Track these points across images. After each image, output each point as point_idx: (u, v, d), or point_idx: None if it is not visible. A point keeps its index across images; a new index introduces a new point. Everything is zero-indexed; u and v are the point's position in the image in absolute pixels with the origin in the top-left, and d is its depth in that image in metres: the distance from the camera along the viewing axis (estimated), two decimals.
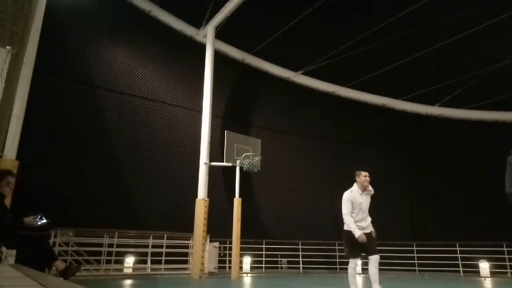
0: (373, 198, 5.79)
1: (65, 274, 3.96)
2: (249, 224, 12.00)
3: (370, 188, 5.67)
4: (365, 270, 13.02)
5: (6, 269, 3.16)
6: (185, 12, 13.41)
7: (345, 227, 5.49)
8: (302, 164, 15.78)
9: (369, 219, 5.59)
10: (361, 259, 5.51)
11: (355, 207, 5.42)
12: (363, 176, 5.59)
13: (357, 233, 5.20)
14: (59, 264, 4.04)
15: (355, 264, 5.37)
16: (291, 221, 14.69)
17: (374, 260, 5.17)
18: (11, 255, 4.06)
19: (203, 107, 12.00)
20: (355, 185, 5.63)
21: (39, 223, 4.00)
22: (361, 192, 5.55)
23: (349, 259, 5.38)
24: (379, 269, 5.29)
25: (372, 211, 5.74)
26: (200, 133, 11.76)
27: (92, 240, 9.68)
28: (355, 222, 5.37)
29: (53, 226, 9.00)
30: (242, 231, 10.61)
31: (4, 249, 4.00)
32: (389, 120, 16.88)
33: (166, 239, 10.69)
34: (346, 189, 5.72)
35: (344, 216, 5.39)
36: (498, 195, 16.04)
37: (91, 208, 10.51)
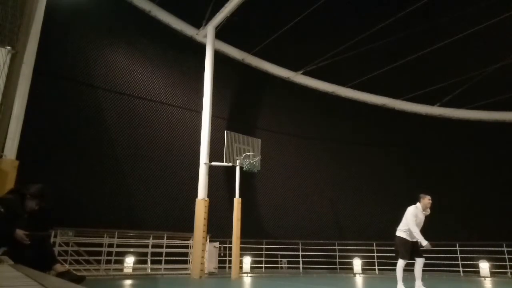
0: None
1: (61, 277, 3.93)
2: (249, 224, 11.99)
3: (429, 210, 6.89)
4: (365, 270, 13.03)
5: (6, 269, 3.16)
6: (185, 12, 13.40)
7: (400, 234, 6.83)
8: (302, 164, 15.78)
9: None
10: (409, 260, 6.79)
11: (416, 221, 6.67)
12: (427, 200, 6.82)
13: (425, 242, 6.42)
14: (59, 267, 4.03)
15: (404, 264, 6.67)
16: (291, 221, 14.69)
17: (420, 261, 6.66)
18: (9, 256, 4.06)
19: (203, 107, 11.99)
20: (418, 204, 6.84)
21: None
22: (422, 211, 6.82)
23: (398, 259, 6.71)
24: (399, 270, 6.84)
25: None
26: (200, 133, 11.76)
27: (92, 240, 9.69)
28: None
29: (53, 226, 9.00)
30: (242, 231, 10.61)
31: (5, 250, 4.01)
32: (389, 120, 16.88)
33: (166, 239, 10.69)
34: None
35: (412, 228, 6.58)
36: (498, 195, 16.08)
37: (91, 208, 10.50)
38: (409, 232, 6.69)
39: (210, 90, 12.07)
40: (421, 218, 6.79)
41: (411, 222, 6.60)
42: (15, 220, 3.92)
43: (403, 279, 6.74)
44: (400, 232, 6.87)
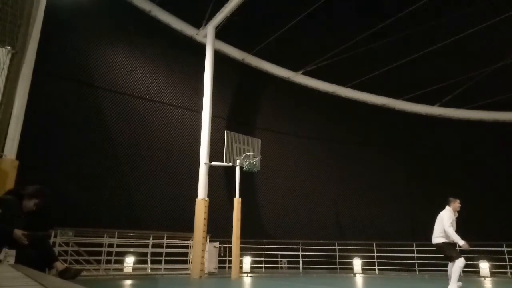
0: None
1: (64, 275, 3.96)
2: (249, 224, 11.99)
3: (457, 213, 7.33)
4: (365, 270, 13.03)
5: (6, 269, 3.16)
6: (185, 12, 13.41)
7: (440, 240, 7.08)
8: (302, 164, 15.78)
9: None
10: None
11: (452, 224, 7.05)
12: (458, 203, 7.27)
13: (462, 242, 6.77)
14: (59, 265, 4.04)
15: (463, 263, 6.80)
16: (291, 221, 14.69)
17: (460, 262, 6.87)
18: (11, 255, 4.06)
19: (203, 107, 11.99)
20: (448, 207, 7.24)
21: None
22: (453, 213, 7.24)
23: (454, 260, 6.85)
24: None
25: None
26: (200, 133, 11.76)
27: (92, 240, 9.68)
28: None
29: (53, 226, 9.00)
30: (242, 231, 10.61)
31: (5, 249, 4.01)
32: (389, 120, 16.88)
33: (166, 239, 10.69)
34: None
35: (448, 229, 6.93)
36: (498, 195, 16.06)
37: (91, 208, 10.50)
38: (446, 235, 7.03)
39: (210, 90, 12.07)
40: (455, 220, 7.20)
41: (447, 224, 6.93)
42: (14, 221, 3.92)
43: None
44: (439, 238, 7.16)
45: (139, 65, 12.76)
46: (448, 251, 7.03)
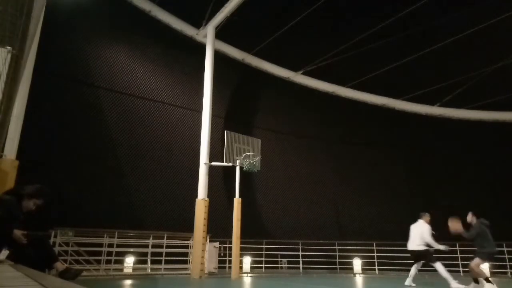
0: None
1: (64, 275, 3.96)
2: (249, 224, 11.99)
3: None
4: (365, 270, 13.03)
5: (6, 269, 3.16)
6: (185, 12, 13.41)
7: (420, 247, 8.48)
8: (301, 164, 15.78)
9: None
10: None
11: (431, 235, 8.49)
12: (429, 217, 8.76)
13: (442, 246, 8.30)
14: (59, 265, 4.05)
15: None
16: (291, 221, 14.69)
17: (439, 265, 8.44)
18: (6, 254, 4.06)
19: (203, 107, 12.00)
20: (421, 220, 8.70)
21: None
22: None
23: (435, 263, 8.39)
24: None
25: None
26: (200, 133, 11.77)
27: (92, 240, 9.68)
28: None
29: (53, 226, 9.01)
30: (242, 231, 10.61)
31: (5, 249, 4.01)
32: (389, 120, 16.88)
33: (166, 239, 10.69)
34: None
35: (430, 240, 8.39)
36: (498, 195, 16.02)
37: (91, 208, 10.50)
38: (426, 243, 8.41)
39: (210, 90, 12.07)
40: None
41: (429, 238, 8.37)
42: (13, 221, 3.92)
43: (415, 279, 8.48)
44: (420, 246, 8.49)
45: (139, 65, 12.77)
46: (429, 257, 8.49)
